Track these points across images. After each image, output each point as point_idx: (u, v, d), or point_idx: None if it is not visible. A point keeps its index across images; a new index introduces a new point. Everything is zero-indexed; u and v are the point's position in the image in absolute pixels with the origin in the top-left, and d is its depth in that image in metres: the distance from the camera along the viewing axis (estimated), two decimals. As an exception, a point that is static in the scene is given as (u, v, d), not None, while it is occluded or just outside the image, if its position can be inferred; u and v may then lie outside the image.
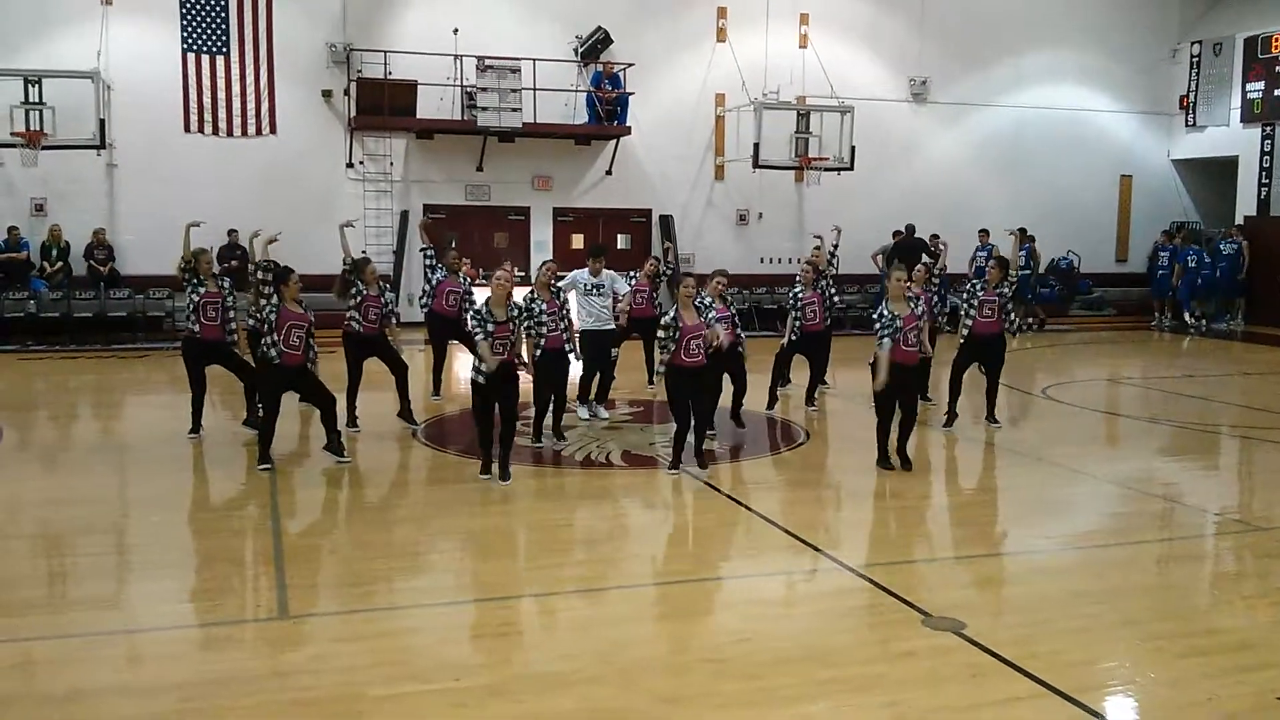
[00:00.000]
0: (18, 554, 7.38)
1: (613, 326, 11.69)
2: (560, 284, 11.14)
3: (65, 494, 8.96)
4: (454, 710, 4.98)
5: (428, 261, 12.60)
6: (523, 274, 20.37)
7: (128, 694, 5.13)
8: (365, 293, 10.73)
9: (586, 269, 11.74)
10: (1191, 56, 24.09)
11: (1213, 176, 24.60)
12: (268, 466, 9.30)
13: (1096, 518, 8.71)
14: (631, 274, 12.61)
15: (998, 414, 11.65)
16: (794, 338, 11.95)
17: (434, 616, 6.30)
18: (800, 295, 11.87)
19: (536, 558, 7.43)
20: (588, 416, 11.63)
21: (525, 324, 9.35)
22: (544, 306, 10.10)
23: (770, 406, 12.17)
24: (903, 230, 21.14)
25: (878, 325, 9.44)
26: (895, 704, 5.04)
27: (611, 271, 11.91)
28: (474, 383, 8.97)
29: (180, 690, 5.11)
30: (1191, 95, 24.16)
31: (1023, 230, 21.60)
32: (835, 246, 12.89)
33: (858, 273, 21.17)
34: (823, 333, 12.16)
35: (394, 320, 11.18)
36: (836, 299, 12.66)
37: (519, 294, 9.76)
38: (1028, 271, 21.24)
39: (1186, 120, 24.43)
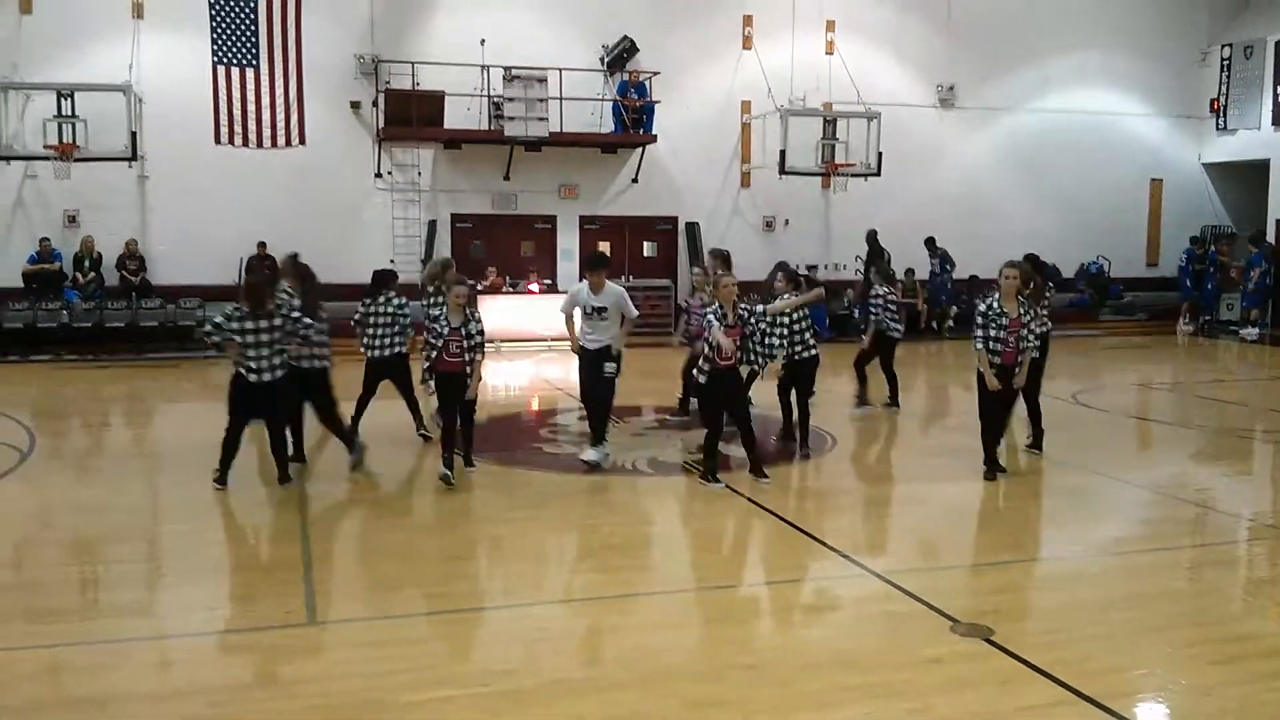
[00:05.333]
0: (49, 560, 7.45)
1: (607, 343, 9.68)
2: (560, 306, 10.14)
3: (96, 501, 9.05)
4: (482, 716, 4.99)
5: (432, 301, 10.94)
6: (549, 281, 20.56)
7: (156, 699, 5.17)
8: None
9: (585, 283, 9.86)
10: (1222, 59, 23.91)
11: (1244, 180, 24.35)
12: (359, 452, 9.77)
13: (1127, 523, 8.62)
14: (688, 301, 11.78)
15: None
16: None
17: (461, 622, 6.33)
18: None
19: (564, 564, 7.42)
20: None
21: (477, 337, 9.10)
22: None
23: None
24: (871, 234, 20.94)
25: (979, 320, 9.16)
26: (924, 710, 5.01)
27: (618, 287, 9.90)
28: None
29: (208, 695, 5.14)
30: (1222, 98, 23.98)
31: (932, 239, 21.64)
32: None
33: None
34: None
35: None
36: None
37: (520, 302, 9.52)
38: (943, 275, 21.68)
39: (1217, 123, 24.23)
